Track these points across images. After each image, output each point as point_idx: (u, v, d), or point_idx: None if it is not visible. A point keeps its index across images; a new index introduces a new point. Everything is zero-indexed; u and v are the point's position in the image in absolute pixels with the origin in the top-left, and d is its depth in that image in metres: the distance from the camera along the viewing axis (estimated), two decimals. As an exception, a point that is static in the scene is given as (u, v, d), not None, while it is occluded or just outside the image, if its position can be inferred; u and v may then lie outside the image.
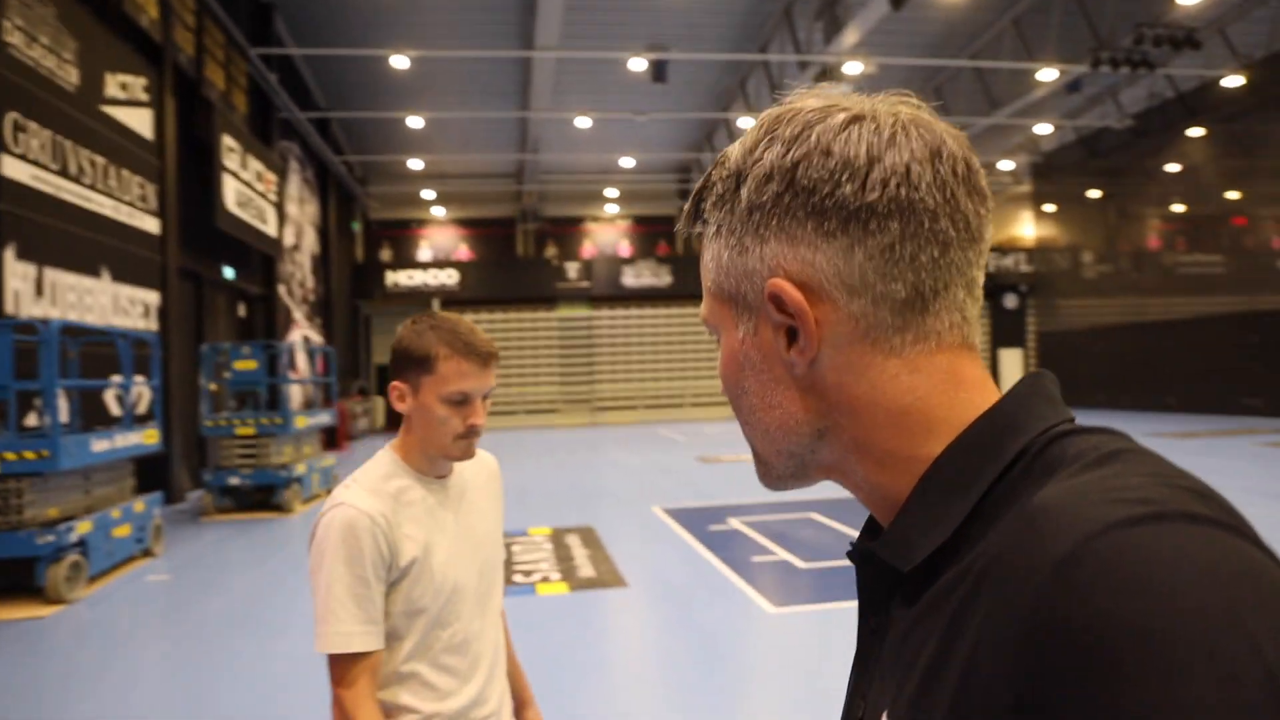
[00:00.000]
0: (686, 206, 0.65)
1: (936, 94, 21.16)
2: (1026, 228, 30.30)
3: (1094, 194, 25.45)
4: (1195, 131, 21.24)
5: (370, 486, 1.61)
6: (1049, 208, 27.83)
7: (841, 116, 0.56)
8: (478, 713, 1.66)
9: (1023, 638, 0.41)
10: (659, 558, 7.47)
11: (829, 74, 16.28)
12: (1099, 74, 16.89)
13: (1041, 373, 0.57)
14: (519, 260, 28.49)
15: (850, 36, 14.96)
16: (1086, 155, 24.56)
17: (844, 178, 0.54)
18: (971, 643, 0.44)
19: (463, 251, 28.73)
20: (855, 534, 6.30)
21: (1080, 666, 0.38)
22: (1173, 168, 22.42)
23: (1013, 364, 29.60)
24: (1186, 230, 23.21)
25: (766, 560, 7.09)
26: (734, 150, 0.60)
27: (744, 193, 0.58)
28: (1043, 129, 23.51)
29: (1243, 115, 19.43)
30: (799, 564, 6.88)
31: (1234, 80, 18.36)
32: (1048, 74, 17.53)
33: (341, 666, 1.51)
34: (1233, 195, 21.50)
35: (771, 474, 0.63)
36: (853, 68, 16.39)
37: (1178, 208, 23.36)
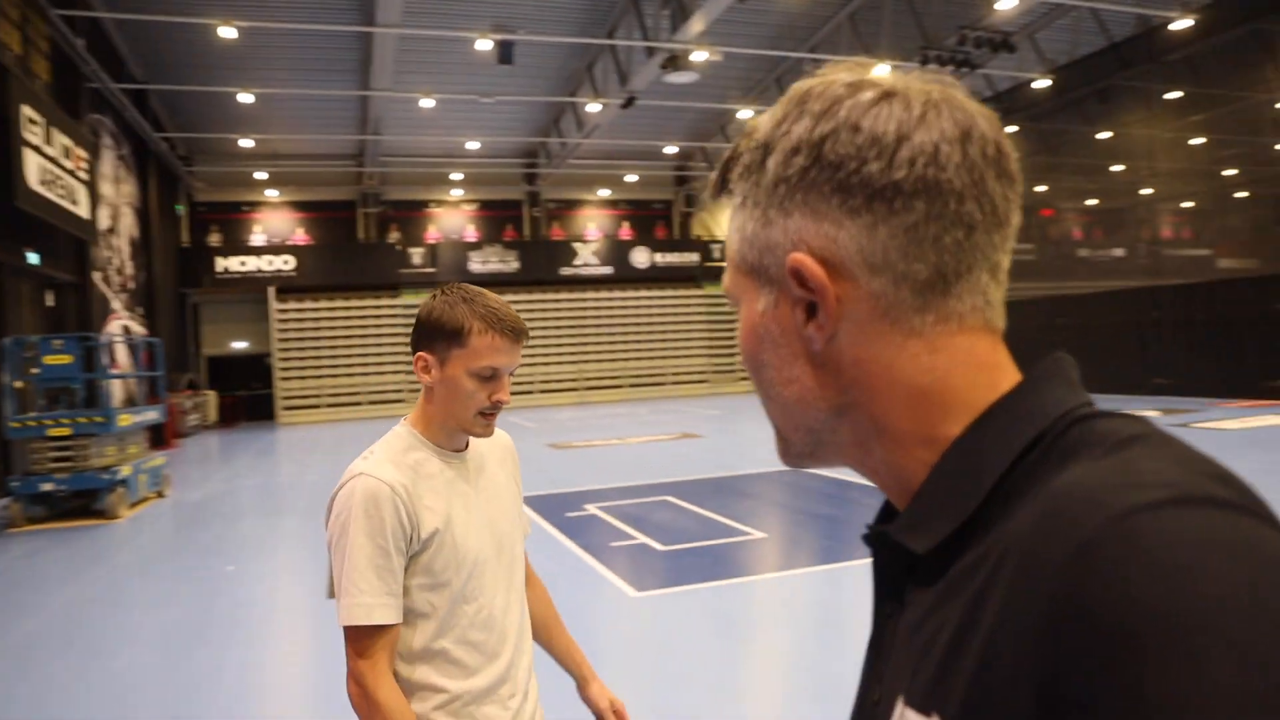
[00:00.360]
0: (713, 176, 0.63)
1: (778, 84, 21.84)
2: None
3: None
4: (1009, 129, 22.76)
5: (390, 458, 1.59)
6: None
7: (872, 93, 0.55)
8: (504, 689, 1.64)
9: (1044, 620, 0.41)
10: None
11: (675, 61, 16.47)
12: (926, 71, 17.81)
13: (1060, 356, 0.56)
14: (360, 245, 27.40)
15: (697, 24, 15.18)
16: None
17: (871, 155, 0.53)
18: (990, 625, 0.44)
19: (300, 236, 27.34)
20: (712, 515, 6.49)
21: (1102, 649, 0.38)
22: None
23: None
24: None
25: (625, 545, 7.13)
26: (762, 121, 0.59)
27: (770, 165, 0.57)
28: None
29: (1049, 115, 21.09)
30: (658, 547, 6.96)
31: (1042, 83, 19.87)
32: (881, 69, 18.38)
33: (361, 640, 1.50)
34: (1041, 189, 23.34)
35: (790, 450, 0.63)
36: (698, 56, 16.65)
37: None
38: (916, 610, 0.53)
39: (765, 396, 0.62)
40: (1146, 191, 20.89)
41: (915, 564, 0.54)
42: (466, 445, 1.70)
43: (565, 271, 28.23)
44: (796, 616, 5.46)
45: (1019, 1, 15.05)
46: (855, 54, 18.37)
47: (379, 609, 1.50)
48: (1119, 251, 22.97)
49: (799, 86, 0.58)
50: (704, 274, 29.52)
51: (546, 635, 1.91)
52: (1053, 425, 0.51)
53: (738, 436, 15.77)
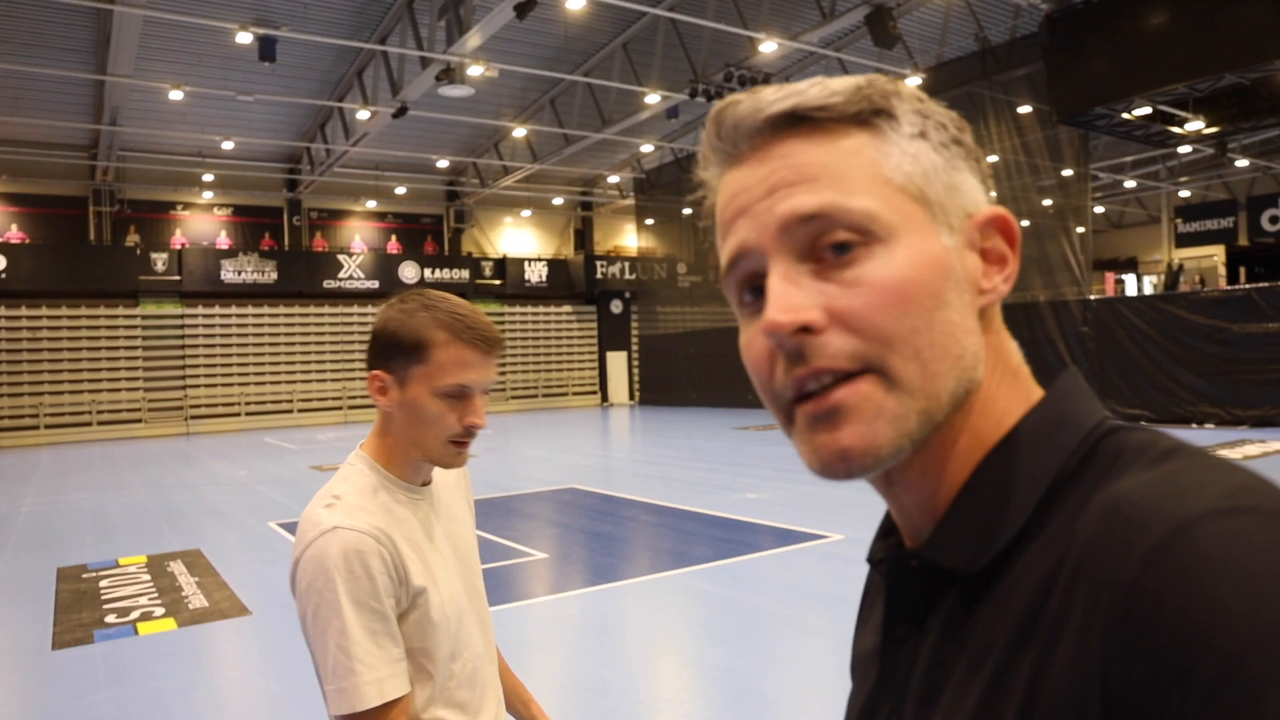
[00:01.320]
0: (850, 87, 0.54)
1: (552, 105, 22.05)
2: (630, 238, 32.70)
3: (687, 211, 28.21)
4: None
5: (361, 503, 1.33)
6: (649, 221, 30.27)
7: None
8: None
9: (1112, 626, 0.41)
10: (284, 578, 6.85)
11: (451, 74, 16.19)
12: (695, 103, 18.71)
13: (1075, 370, 0.57)
14: (91, 247, 24.49)
15: (474, 39, 15.02)
16: (681, 174, 27.10)
17: (963, 134, 0.57)
18: (1047, 638, 0.44)
19: (14, 233, 24.05)
20: (492, 537, 6.30)
21: (1177, 653, 0.38)
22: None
23: (619, 366, 31.80)
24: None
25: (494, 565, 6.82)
26: (881, 81, 0.56)
27: (934, 124, 0.55)
28: (646, 148, 25.52)
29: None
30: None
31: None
32: (652, 98, 19.11)
33: None
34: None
35: (917, 430, 0.51)
36: (475, 70, 16.45)
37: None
38: (953, 631, 0.52)
39: (933, 346, 0.51)
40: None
41: (947, 583, 0.53)
42: (432, 477, 1.47)
43: (329, 284, 26.82)
44: (573, 636, 5.45)
45: (778, 47, 16.16)
46: (627, 81, 18.95)
47: (390, 680, 1.25)
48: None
49: (870, 78, 0.56)
50: (474, 291, 29.10)
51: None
52: (1086, 435, 0.51)
53: (508, 454, 15.65)
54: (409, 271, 28.11)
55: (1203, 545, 0.40)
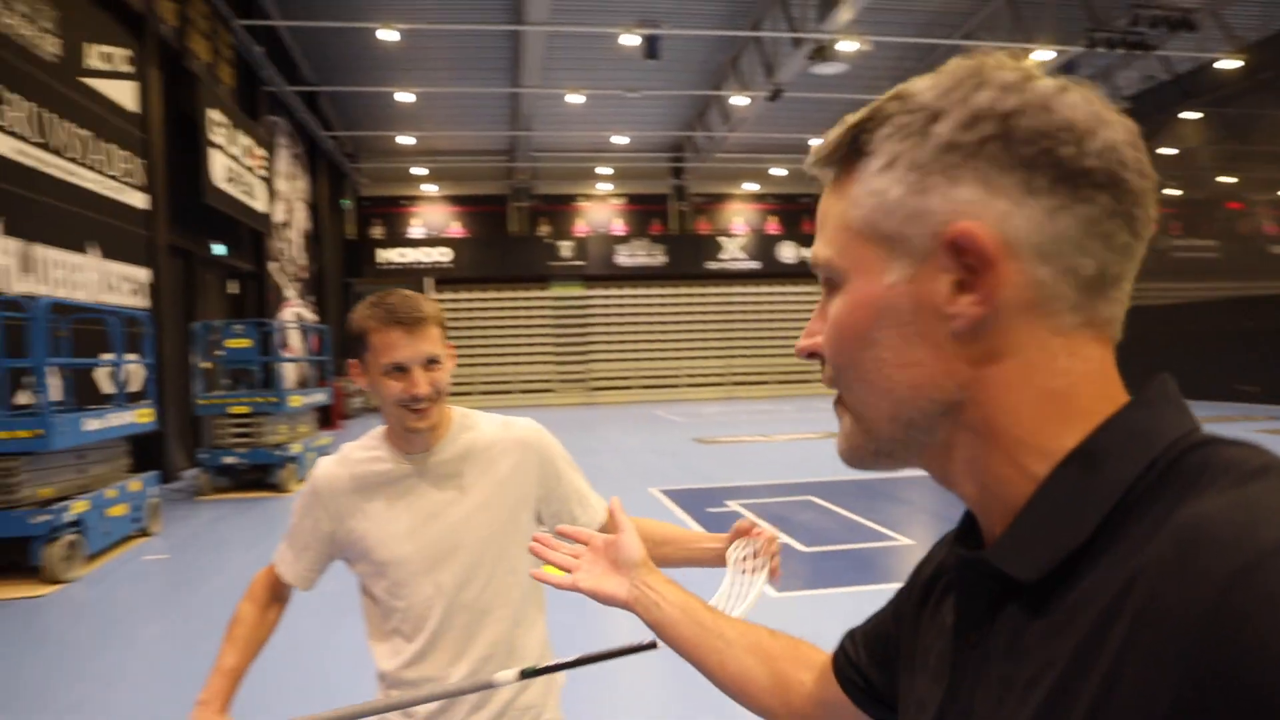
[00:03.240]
0: (834, 136, 0.59)
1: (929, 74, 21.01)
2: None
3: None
4: (1190, 114, 21.13)
5: (344, 454, 1.75)
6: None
7: (1051, 82, 0.53)
8: (411, 673, 1.68)
9: (1187, 654, 0.38)
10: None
11: (823, 52, 16.14)
12: (1094, 55, 16.77)
13: (1167, 377, 0.54)
14: (511, 238, 28.30)
15: (845, 13, 14.81)
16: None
17: (1065, 137, 0.51)
18: (1114, 658, 0.42)
19: (455, 229, 28.51)
20: (857, 518, 6.29)
21: (1259, 687, 0.36)
22: (1168, 151, 22.33)
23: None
24: (1181, 214, 23.16)
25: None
26: (918, 87, 0.56)
27: (939, 129, 0.53)
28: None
29: (1238, 98, 19.33)
30: (800, 548, 6.86)
31: (1230, 63, 18.27)
32: (1042, 54, 17.43)
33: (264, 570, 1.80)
34: (1227, 180, 21.42)
35: (868, 446, 0.59)
36: (847, 46, 16.23)
37: (1173, 191, 23.28)
38: (1012, 642, 0.51)
39: (861, 380, 0.56)
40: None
41: (1013, 591, 0.52)
42: (426, 447, 1.70)
43: (711, 266, 28.26)
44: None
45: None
46: (1015, 40, 17.48)
47: (281, 562, 1.76)
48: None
49: (961, 62, 0.55)
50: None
51: (670, 555, 1.71)
52: (1166, 450, 0.48)
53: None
54: (787, 251, 28.64)
55: (1274, 593, 0.37)
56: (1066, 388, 0.52)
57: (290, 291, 19.33)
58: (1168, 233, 23.44)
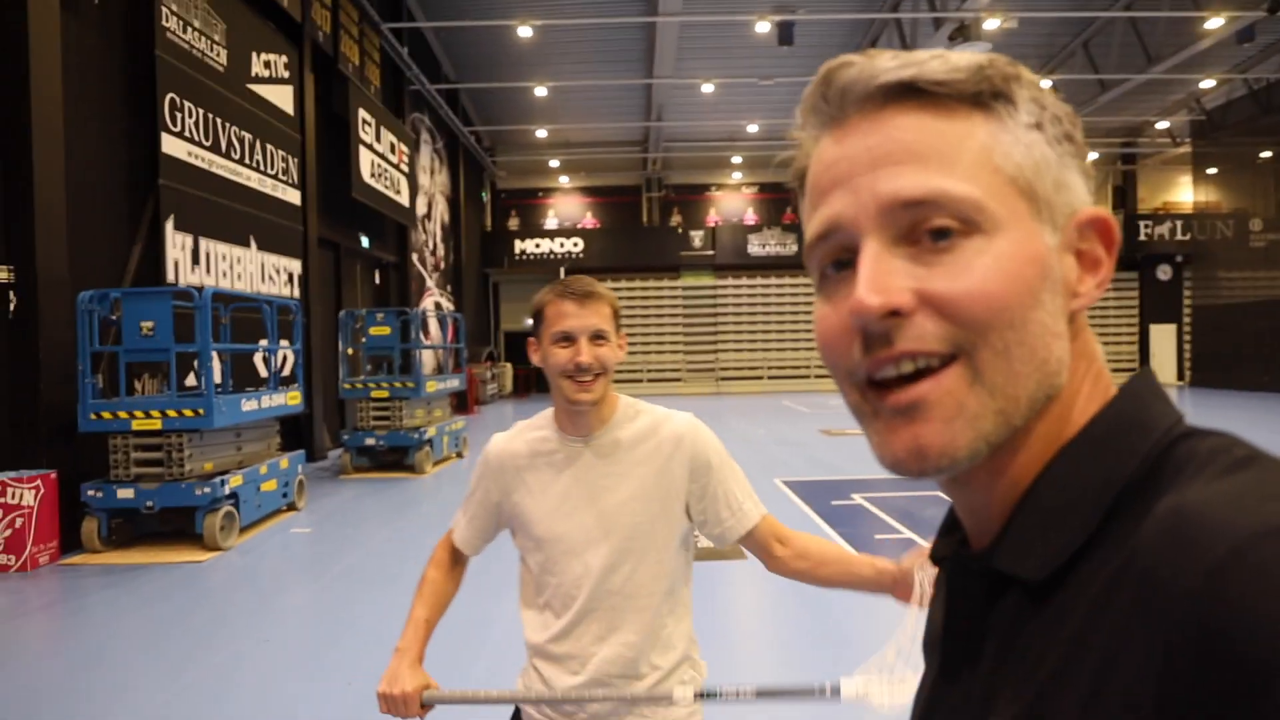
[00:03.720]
0: (974, 65, 0.52)
1: (1085, 49, 19.90)
2: (1184, 193, 28.23)
3: (1266, 154, 23.30)
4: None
5: (517, 432, 1.86)
6: (1211, 170, 25.73)
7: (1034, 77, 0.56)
8: (557, 648, 1.76)
9: (1174, 642, 0.39)
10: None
11: (965, 31, 15.49)
12: (1276, 19, 15.42)
13: (1149, 370, 0.55)
14: (644, 228, 28.57)
15: (990, -11, 14.21)
16: (1259, 111, 22.47)
17: (1077, 130, 0.55)
18: (1104, 651, 0.42)
19: (588, 220, 29.04)
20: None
21: (1243, 674, 0.36)
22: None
23: (1166, 341, 27.77)
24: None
25: (891, 539, 6.93)
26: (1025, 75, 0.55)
27: (1051, 113, 0.54)
28: (1207, 84, 21.75)
29: None
30: (926, 544, 6.68)
31: None
32: (1215, 22, 16.17)
33: (445, 536, 1.99)
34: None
35: (989, 433, 0.50)
36: (991, 24, 15.54)
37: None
38: (1010, 634, 0.51)
39: (1023, 345, 0.49)
40: None
41: (1006, 584, 0.52)
42: (590, 430, 1.77)
43: (842, 254, 27.66)
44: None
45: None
46: (1181, 8, 16.29)
47: (457, 528, 1.95)
48: None
49: (984, 55, 0.53)
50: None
51: (831, 576, 1.77)
52: (1156, 441, 0.49)
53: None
54: (921, 239, 27.73)
55: (1270, 562, 0.37)
56: (1101, 369, 0.54)
57: (430, 281, 20.18)
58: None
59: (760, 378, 27.48)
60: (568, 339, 1.70)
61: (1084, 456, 0.50)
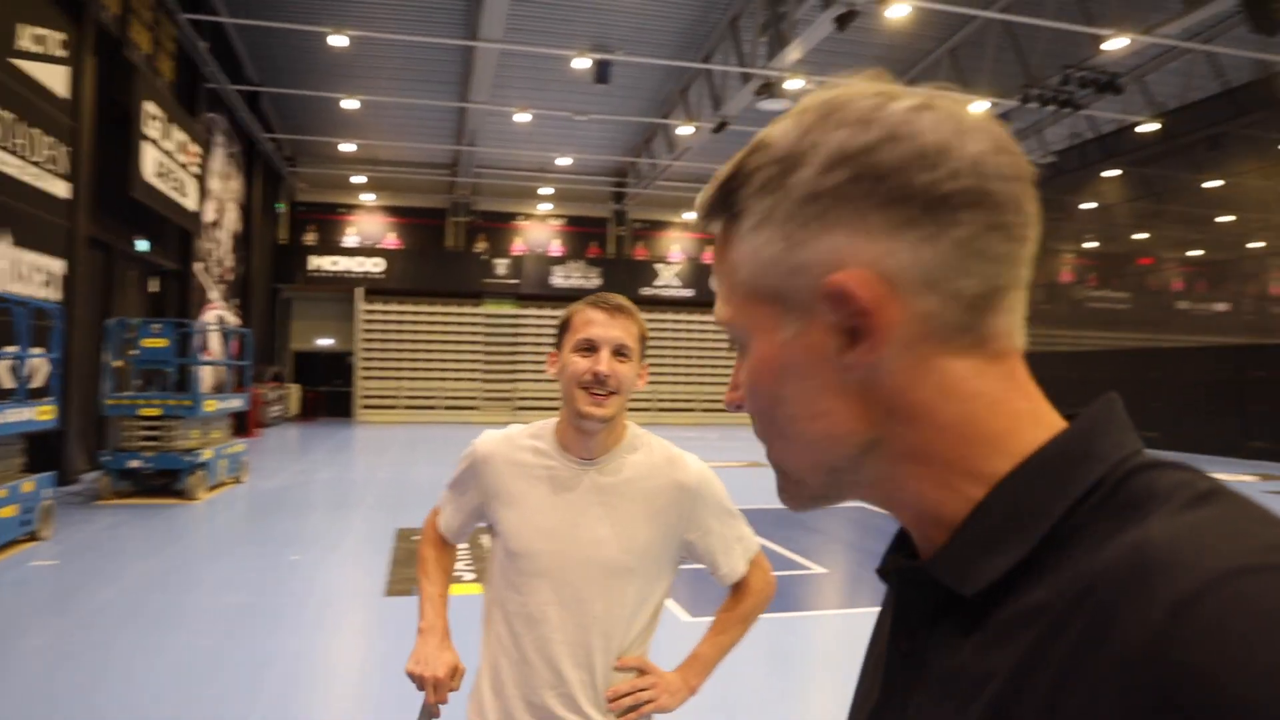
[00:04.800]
0: (707, 196, 0.58)
1: (872, 117, 21.59)
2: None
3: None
4: (1111, 172, 22.15)
5: (512, 433, 1.80)
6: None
7: (908, 103, 0.52)
8: (518, 685, 1.68)
9: (1135, 677, 0.38)
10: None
11: (770, 88, 16.44)
12: (1026, 109, 17.45)
13: (1114, 397, 0.53)
14: (448, 253, 28.02)
15: (794, 53, 15.12)
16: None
17: (923, 164, 0.50)
18: (1057, 676, 0.42)
19: (390, 240, 28.11)
20: (776, 547, 6.30)
21: (1205, 711, 0.36)
22: (1088, 205, 23.30)
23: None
24: (1098, 266, 24.12)
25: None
26: (775, 134, 0.55)
27: (799, 179, 0.52)
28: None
29: (1154, 160, 20.32)
30: (685, 617, 6.86)
31: (1148, 126, 19.19)
32: (979, 105, 18.10)
33: (431, 511, 1.92)
34: (1141, 236, 22.46)
35: (803, 493, 0.58)
36: (793, 84, 16.58)
37: (1090, 244, 24.25)
38: (951, 656, 0.50)
39: (778, 436, 0.57)
40: (1256, 245, 19.94)
41: (950, 605, 0.51)
42: (593, 455, 1.71)
43: (645, 291, 28.34)
44: (854, 655, 5.31)
45: (1129, 42, 14.56)
46: (953, 88, 18.07)
47: (442, 513, 1.87)
48: (1221, 306, 21.92)
49: (816, 98, 0.54)
50: (784, 303, 29.29)
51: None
52: (1111, 470, 0.48)
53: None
54: (721, 282, 28.90)
55: (1236, 601, 0.37)
56: (983, 409, 0.51)
57: (214, 293, 18.80)
58: (1084, 283, 24.38)
59: (557, 408, 27.25)
60: (590, 347, 1.67)
61: (1026, 483, 0.49)
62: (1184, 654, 0.37)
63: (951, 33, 17.81)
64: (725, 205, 0.57)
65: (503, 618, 1.70)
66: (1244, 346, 18.45)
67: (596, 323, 1.67)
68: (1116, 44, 14.58)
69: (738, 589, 1.84)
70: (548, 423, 1.78)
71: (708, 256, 30.24)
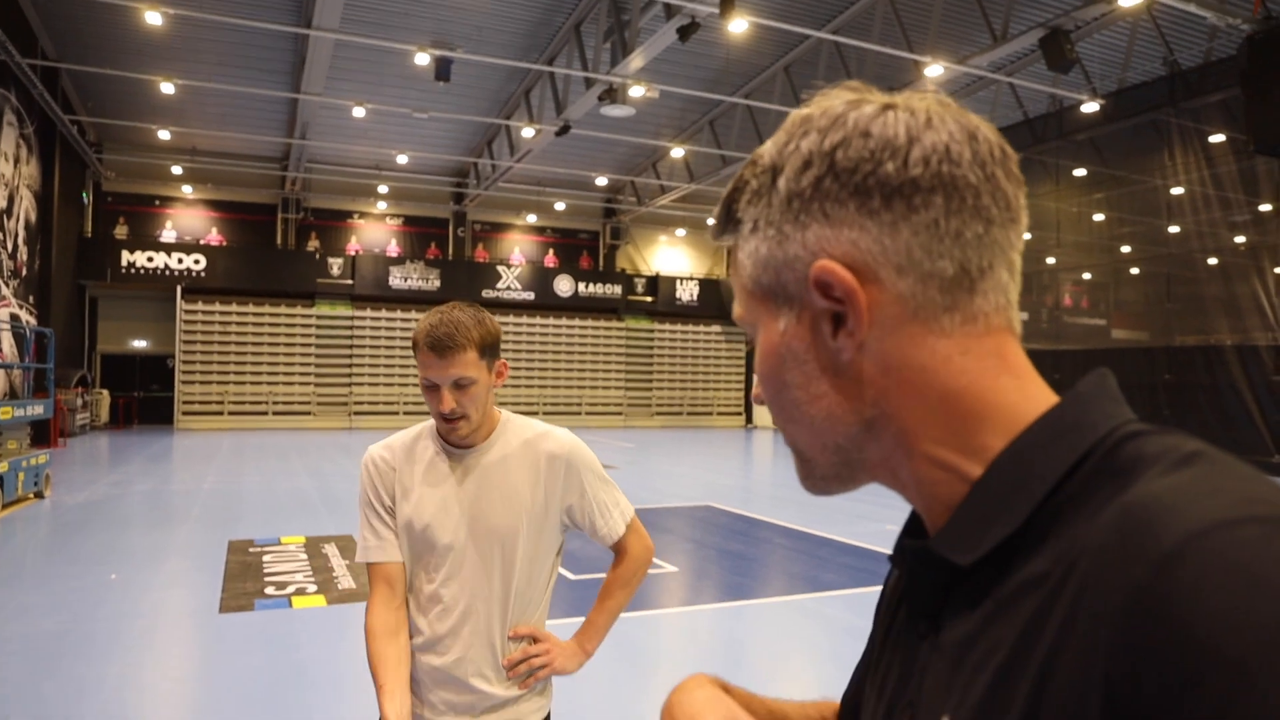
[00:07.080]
0: (716, 214, 0.65)
1: (710, 127, 22.22)
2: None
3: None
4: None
5: (392, 439, 1.92)
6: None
7: (875, 105, 0.56)
8: (434, 659, 1.83)
9: (1120, 633, 0.40)
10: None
11: (613, 94, 16.60)
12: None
13: (1105, 371, 0.56)
14: (277, 251, 26.57)
15: (636, 61, 15.33)
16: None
17: (885, 156, 0.54)
18: (1054, 641, 0.44)
19: (213, 236, 26.38)
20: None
21: (1187, 664, 0.38)
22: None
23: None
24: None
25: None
26: (766, 149, 0.60)
27: (781, 183, 0.58)
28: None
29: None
30: (570, 576, 6.85)
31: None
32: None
33: (368, 574, 1.88)
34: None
35: (815, 473, 0.61)
36: (636, 91, 16.79)
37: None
38: (960, 629, 0.52)
39: (789, 419, 0.61)
40: (1051, 260, 21.87)
41: (956, 582, 0.53)
42: (470, 445, 1.86)
43: (487, 294, 27.92)
44: (701, 651, 5.43)
45: (944, 70, 15.68)
46: (787, 103, 18.84)
47: (368, 550, 1.85)
48: (1023, 316, 23.91)
49: (797, 114, 0.59)
50: (626, 307, 29.61)
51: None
52: (1102, 439, 0.50)
53: (651, 470, 15.77)
54: (564, 285, 28.90)
55: (1216, 555, 0.39)
56: (968, 385, 0.54)
57: (6, 290, 17.05)
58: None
59: (397, 413, 26.67)
60: (432, 387, 1.77)
61: (1020, 457, 0.52)
62: (1165, 608, 0.39)
63: (786, 50, 18.55)
64: (729, 217, 0.63)
65: (414, 601, 1.85)
66: (1043, 351, 20.21)
67: (431, 365, 1.75)
68: (934, 71, 15.65)
69: (619, 556, 2.00)
70: (427, 423, 1.92)
71: (550, 260, 30.22)
